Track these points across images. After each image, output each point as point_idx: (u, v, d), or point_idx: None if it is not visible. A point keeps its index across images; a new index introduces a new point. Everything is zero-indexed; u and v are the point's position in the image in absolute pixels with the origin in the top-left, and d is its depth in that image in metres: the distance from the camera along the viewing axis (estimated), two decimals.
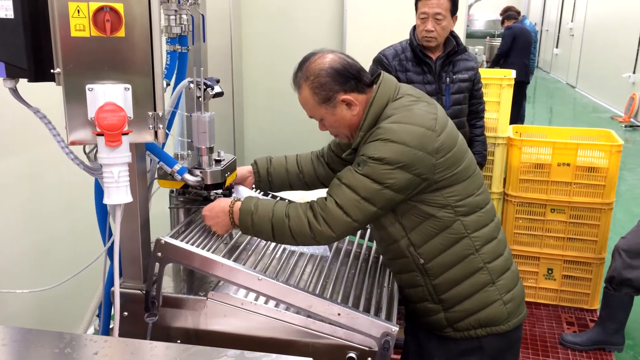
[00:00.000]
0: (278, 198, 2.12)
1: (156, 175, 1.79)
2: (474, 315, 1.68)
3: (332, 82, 1.62)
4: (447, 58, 2.84)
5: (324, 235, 1.58)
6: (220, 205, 1.68)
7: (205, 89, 1.72)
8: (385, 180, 1.54)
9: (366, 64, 2.96)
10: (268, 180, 1.96)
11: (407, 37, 2.90)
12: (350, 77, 1.64)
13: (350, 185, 1.57)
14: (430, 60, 2.83)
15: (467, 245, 1.65)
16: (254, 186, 1.98)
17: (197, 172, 1.73)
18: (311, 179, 1.98)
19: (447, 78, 2.84)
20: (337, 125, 1.70)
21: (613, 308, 2.95)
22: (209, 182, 1.74)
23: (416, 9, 2.82)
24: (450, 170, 1.60)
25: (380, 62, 2.91)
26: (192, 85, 1.73)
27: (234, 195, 1.86)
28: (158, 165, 1.76)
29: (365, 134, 1.63)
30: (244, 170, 1.95)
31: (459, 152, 1.64)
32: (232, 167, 1.84)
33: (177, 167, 1.69)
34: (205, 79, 1.72)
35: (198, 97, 1.72)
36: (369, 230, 2.08)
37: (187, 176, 1.70)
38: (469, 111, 3.01)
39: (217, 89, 1.75)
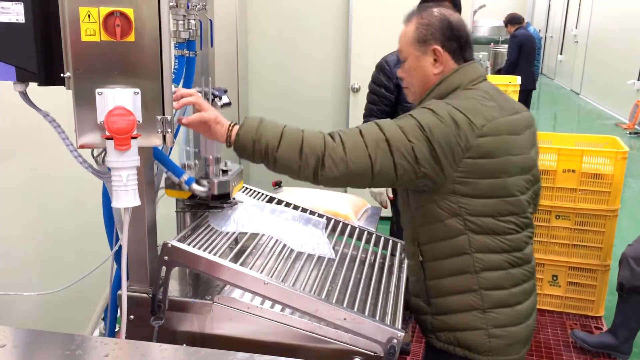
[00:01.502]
0: (292, 205, 2.13)
1: (163, 184, 1.80)
2: (453, 332, 1.61)
3: (438, 29, 1.59)
4: None
5: (335, 153, 1.46)
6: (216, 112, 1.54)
7: (213, 99, 1.73)
8: (412, 138, 1.47)
9: (371, 67, 2.97)
10: None
11: None
12: (456, 38, 1.60)
13: (380, 124, 1.51)
14: None
15: (467, 262, 1.57)
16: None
17: (205, 182, 1.74)
18: None
19: None
20: (413, 73, 1.65)
21: (627, 315, 2.94)
22: (216, 193, 1.75)
23: None
24: (473, 176, 1.51)
25: (382, 68, 2.87)
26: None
27: (239, 210, 1.87)
28: (165, 176, 1.78)
29: None
30: None
31: (496, 169, 1.53)
32: (239, 177, 1.85)
33: (184, 177, 1.70)
34: (213, 88, 1.74)
35: None
36: (374, 236, 2.08)
37: (195, 186, 1.72)
38: None
39: (225, 99, 1.76)
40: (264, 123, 1.51)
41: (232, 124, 1.52)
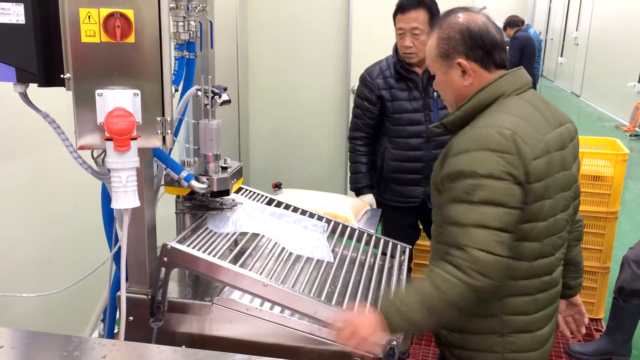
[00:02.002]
0: (275, 202, 2.12)
1: (162, 182, 1.80)
2: (468, 351, 1.58)
3: (459, 41, 1.51)
4: None
5: (485, 290, 1.39)
6: (357, 318, 1.48)
7: (213, 97, 1.72)
8: (509, 200, 1.38)
9: None
10: None
11: None
12: (480, 46, 1.51)
13: (476, 223, 1.39)
14: (416, 76, 2.64)
15: None
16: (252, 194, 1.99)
17: (204, 179, 1.74)
18: None
19: (435, 92, 2.60)
20: (444, 87, 1.59)
21: (621, 319, 2.92)
22: (215, 189, 1.75)
23: (395, 25, 2.62)
24: (526, 202, 1.44)
25: (364, 81, 2.76)
26: (199, 92, 1.73)
27: (238, 212, 1.87)
28: (165, 172, 1.77)
29: (462, 117, 1.51)
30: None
31: (545, 190, 1.46)
32: (238, 174, 1.85)
33: (183, 174, 1.69)
34: (213, 86, 1.73)
35: (206, 105, 1.73)
36: (374, 237, 2.08)
37: (194, 183, 1.71)
38: None
39: (224, 96, 1.76)
40: (411, 320, 1.42)
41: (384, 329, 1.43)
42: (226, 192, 1.79)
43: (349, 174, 4.66)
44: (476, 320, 1.55)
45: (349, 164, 2.97)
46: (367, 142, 2.81)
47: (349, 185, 4.75)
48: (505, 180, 1.39)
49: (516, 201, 1.40)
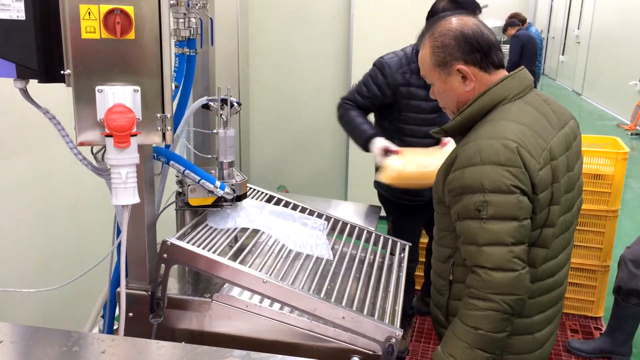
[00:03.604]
0: (274, 200, 2.13)
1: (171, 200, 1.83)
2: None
3: (455, 47, 1.47)
4: None
5: (516, 306, 1.39)
6: None
7: (232, 106, 1.80)
8: (518, 214, 1.36)
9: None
10: None
11: (413, 41, 2.78)
12: (477, 49, 1.47)
13: (490, 242, 1.37)
14: None
15: None
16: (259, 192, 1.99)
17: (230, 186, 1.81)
18: None
19: None
20: (444, 96, 1.55)
21: (622, 318, 2.92)
22: (240, 193, 1.82)
23: None
24: (538, 212, 1.42)
25: (382, 68, 2.62)
26: (211, 104, 1.79)
27: (238, 209, 1.88)
28: (178, 179, 1.82)
29: (463, 122, 1.49)
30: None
31: (550, 198, 1.43)
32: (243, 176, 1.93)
33: (218, 183, 1.75)
34: (223, 96, 1.79)
35: (221, 115, 1.79)
36: (373, 234, 2.08)
37: (228, 190, 1.78)
38: None
39: (236, 106, 1.84)
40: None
41: None
42: (245, 195, 1.86)
43: (348, 172, 4.58)
44: None
45: (345, 134, 2.74)
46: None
47: (349, 183, 4.72)
48: (513, 194, 1.37)
49: (527, 212, 1.39)
